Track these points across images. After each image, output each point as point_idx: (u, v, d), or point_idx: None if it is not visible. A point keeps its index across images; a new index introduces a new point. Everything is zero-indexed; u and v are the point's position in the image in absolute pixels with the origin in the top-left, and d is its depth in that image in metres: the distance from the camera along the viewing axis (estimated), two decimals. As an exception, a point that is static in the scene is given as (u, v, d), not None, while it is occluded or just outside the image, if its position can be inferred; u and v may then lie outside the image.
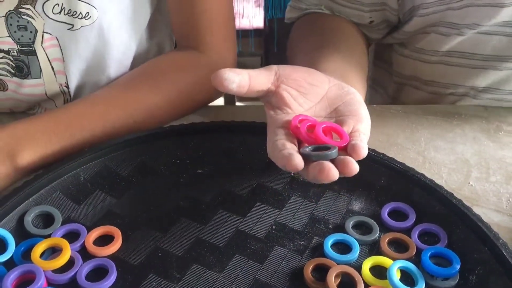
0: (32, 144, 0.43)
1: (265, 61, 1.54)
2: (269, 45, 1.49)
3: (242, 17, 1.57)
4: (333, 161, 0.34)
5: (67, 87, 0.53)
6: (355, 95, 0.40)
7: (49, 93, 0.54)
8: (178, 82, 0.51)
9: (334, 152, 0.34)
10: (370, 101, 0.73)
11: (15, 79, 0.52)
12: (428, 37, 0.58)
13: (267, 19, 1.46)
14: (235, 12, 1.59)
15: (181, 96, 0.51)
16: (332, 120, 0.39)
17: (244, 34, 1.52)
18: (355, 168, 0.33)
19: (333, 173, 0.32)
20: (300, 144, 0.36)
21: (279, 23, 1.44)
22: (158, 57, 0.54)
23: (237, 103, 1.34)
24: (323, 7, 0.61)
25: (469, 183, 0.44)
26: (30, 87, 0.53)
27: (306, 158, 0.34)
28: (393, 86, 0.67)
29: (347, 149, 0.35)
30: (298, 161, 0.33)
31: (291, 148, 0.35)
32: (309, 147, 0.35)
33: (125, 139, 0.45)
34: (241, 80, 0.37)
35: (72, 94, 0.54)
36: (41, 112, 0.54)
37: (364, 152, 0.34)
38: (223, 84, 0.36)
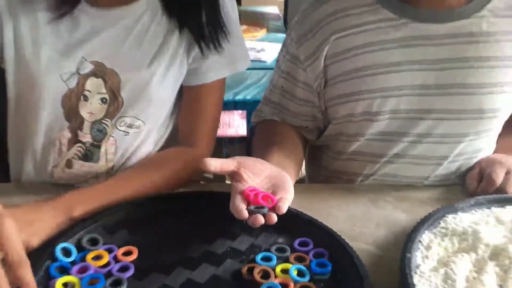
0: (84, 203, 0.70)
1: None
2: (250, 149, 1.81)
3: (229, 127, 1.90)
4: (264, 215, 0.62)
5: (112, 169, 0.83)
6: (287, 178, 0.69)
7: (97, 173, 0.83)
8: (171, 167, 0.80)
9: (265, 210, 0.62)
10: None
11: (80, 161, 0.83)
12: (339, 142, 0.89)
13: (249, 129, 1.79)
14: (224, 123, 1.94)
15: (173, 176, 0.80)
16: (269, 191, 0.67)
17: (230, 141, 1.84)
18: (273, 219, 0.61)
19: (260, 221, 0.60)
20: (248, 204, 0.64)
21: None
22: (163, 151, 0.85)
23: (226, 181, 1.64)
24: (275, 117, 0.93)
25: (353, 226, 0.72)
26: (88, 168, 0.83)
27: (250, 212, 0.62)
28: (322, 179, 0.97)
29: (274, 208, 0.63)
30: (245, 214, 0.61)
31: (243, 206, 0.62)
32: (253, 206, 0.63)
33: (142, 200, 0.73)
34: (216, 165, 0.65)
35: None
36: (85, 186, 0.82)
37: (282, 211, 0.62)
38: (206, 166, 0.65)
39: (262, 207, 0.63)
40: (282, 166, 0.74)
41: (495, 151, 0.90)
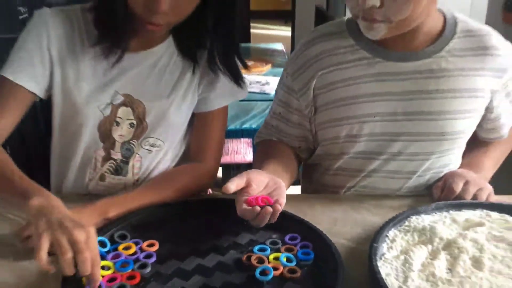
0: (116, 207, 0.86)
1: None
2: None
3: (236, 154, 2.07)
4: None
5: (137, 181, 1.01)
6: (281, 183, 0.85)
7: (125, 184, 1.01)
8: (183, 181, 0.97)
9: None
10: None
11: (112, 175, 1.00)
12: (326, 160, 1.05)
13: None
14: (232, 150, 2.11)
15: (184, 189, 0.96)
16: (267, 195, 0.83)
17: (237, 167, 2.01)
18: (273, 219, 0.78)
19: (268, 212, 0.77)
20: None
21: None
22: (178, 167, 1.02)
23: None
24: (274, 137, 1.09)
25: (335, 226, 0.87)
26: (117, 180, 1.00)
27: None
28: (312, 191, 1.13)
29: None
30: (253, 211, 0.77)
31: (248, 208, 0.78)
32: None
33: (162, 204, 0.90)
34: (232, 187, 0.78)
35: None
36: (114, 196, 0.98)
37: (278, 212, 0.78)
38: (228, 190, 0.78)
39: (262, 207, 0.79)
40: (277, 174, 0.90)
41: (460, 167, 1.05)
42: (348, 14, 0.99)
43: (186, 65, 1.00)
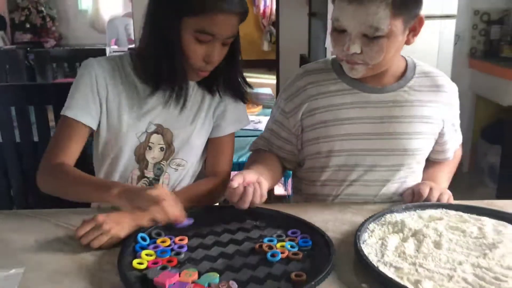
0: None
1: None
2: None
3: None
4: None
5: None
6: (264, 182, 1.07)
7: None
8: (202, 190, 1.19)
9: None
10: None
11: None
12: (314, 173, 1.28)
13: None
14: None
15: (202, 196, 1.17)
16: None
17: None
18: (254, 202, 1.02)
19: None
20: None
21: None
22: (196, 181, 1.24)
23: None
24: (266, 148, 1.32)
25: (326, 224, 1.08)
26: None
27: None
28: (303, 201, 1.35)
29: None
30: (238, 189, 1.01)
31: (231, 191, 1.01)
32: None
33: (188, 210, 1.10)
34: (234, 184, 1.02)
35: None
36: None
37: (258, 195, 1.02)
38: (232, 185, 1.02)
39: None
40: (261, 173, 1.12)
41: (422, 179, 1.29)
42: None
43: (204, 96, 1.25)
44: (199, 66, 1.12)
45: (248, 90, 1.28)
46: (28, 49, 4.53)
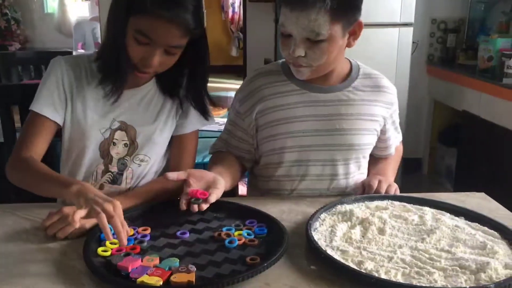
0: (125, 202, 1.13)
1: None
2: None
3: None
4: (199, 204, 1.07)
5: (129, 189, 1.27)
6: (219, 180, 1.14)
7: (120, 192, 1.26)
8: (164, 185, 1.24)
9: (200, 201, 1.07)
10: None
11: (109, 185, 1.26)
12: (268, 169, 1.36)
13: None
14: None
15: (165, 191, 1.23)
16: (206, 190, 1.10)
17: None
18: (203, 208, 1.07)
19: (195, 208, 1.05)
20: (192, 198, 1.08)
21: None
22: (158, 177, 1.30)
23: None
24: (224, 149, 1.39)
25: (282, 215, 1.16)
26: (114, 189, 1.27)
27: (191, 203, 1.07)
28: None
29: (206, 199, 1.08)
30: (183, 207, 1.06)
31: (183, 206, 1.07)
32: (193, 199, 1.08)
33: (151, 203, 1.16)
34: (173, 176, 1.09)
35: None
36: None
37: (211, 201, 1.08)
38: (169, 177, 1.09)
39: (198, 199, 1.08)
40: (220, 173, 1.19)
41: (371, 174, 1.39)
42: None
43: (166, 99, 1.31)
44: (138, 66, 1.18)
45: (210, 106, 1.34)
46: (-8, 51, 4.48)
